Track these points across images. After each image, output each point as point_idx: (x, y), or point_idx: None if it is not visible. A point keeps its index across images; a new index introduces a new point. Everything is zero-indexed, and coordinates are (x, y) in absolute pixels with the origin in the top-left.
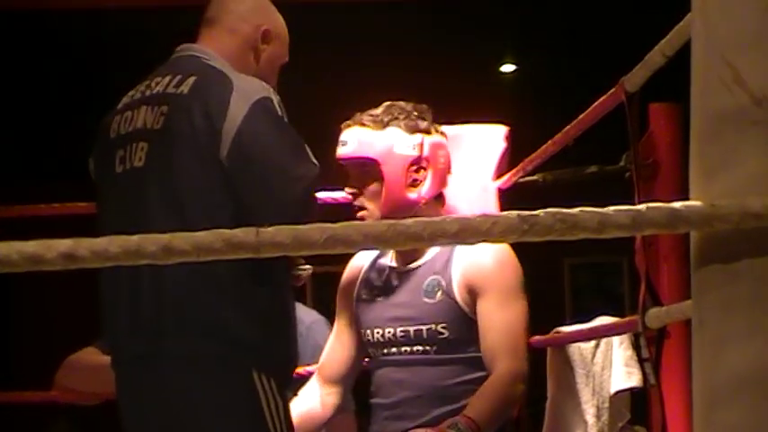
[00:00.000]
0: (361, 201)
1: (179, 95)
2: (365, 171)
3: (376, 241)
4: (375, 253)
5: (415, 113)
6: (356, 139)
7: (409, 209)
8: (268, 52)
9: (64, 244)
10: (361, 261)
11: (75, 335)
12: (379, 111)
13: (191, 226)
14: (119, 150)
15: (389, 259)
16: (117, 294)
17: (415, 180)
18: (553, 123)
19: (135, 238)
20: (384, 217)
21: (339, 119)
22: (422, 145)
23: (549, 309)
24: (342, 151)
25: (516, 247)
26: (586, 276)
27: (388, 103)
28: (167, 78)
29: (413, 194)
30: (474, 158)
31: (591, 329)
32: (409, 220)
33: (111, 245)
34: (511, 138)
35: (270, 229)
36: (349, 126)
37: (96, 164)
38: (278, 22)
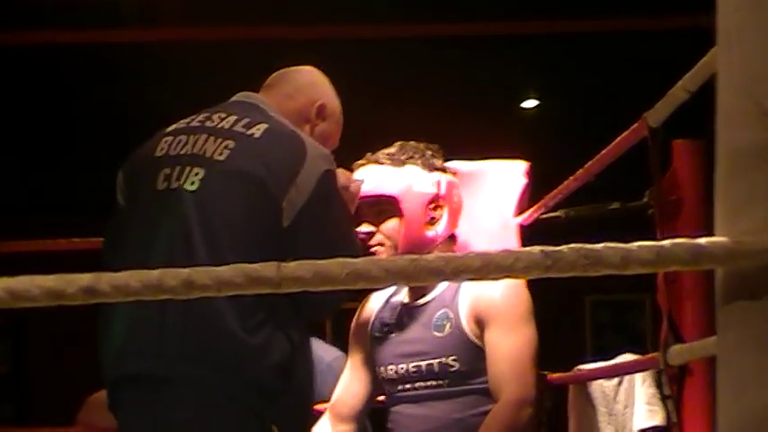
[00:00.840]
0: (377, 238)
1: (249, 137)
2: (382, 209)
3: (398, 277)
4: (389, 291)
5: (430, 152)
6: (374, 177)
7: (425, 246)
8: (322, 128)
9: (84, 278)
10: (374, 301)
11: (89, 371)
12: (393, 150)
13: (223, 259)
14: (164, 169)
15: (403, 296)
16: (140, 312)
17: (433, 218)
18: (575, 159)
19: (156, 273)
20: (401, 254)
21: (354, 158)
22: (439, 183)
23: (569, 347)
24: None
25: (537, 285)
26: (608, 314)
27: (400, 142)
28: (233, 117)
29: (430, 232)
30: (494, 194)
31: (613, 367)
32: (431, 256)
33: (132, 279)
34: (532, 173)
35: (291, 264)
36: (363, 165)
37: (129, 178)
38: (335, 102)
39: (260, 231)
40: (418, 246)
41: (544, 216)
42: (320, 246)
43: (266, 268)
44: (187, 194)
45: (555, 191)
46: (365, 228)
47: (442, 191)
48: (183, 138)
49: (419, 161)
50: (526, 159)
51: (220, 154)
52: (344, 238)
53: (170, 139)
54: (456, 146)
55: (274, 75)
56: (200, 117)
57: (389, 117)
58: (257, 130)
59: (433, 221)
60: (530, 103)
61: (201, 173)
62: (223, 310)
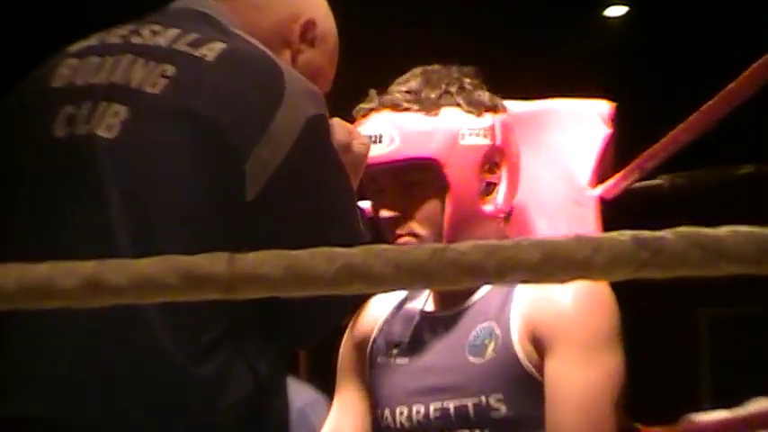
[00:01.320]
0: (407, 227)
1: (198, 61)
2: (411, 180)
3: (413, 277)
4: (400, 295)
5: (469, 81)
6: (396, 131)
7: (482, 229)
8: (308, 57)
9: None
10: (376, 308)
11: None
12: (416, 83)
13: (154, 247)
14: (66, 106)
15: (422, 302)
16: (26, 328)
17: (490, 184)
18: (683, 95)
19: (43, 268)
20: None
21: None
22: (493, 129)
23: (678, 381)
24: (373, 152)
25: (627, 291)
26: (731, 334)
27: (420, 69)
28: (173, 31)
29: (488, 206)
30: (563, 152)
31: (742, 420)
32: (465, 244)
33: (5, 278)
34: (620, 119)
35: (251, 255)
36: (371, 112)
37: (9, 122)
38: (329, 21)
39: (211, 205)
40: (471, 229)
41: (637, 185)
42: (302, 229)
43: (212, 262)
44: (102, 144)
45: (653, 147)
46: (386, 211)
47: (499, 140)
48: (96, 60)
49: (460, 98)
50: (610, 97)
51: (153, 85)
52: (340, 218)
53: (74, 62)
54: (507, 75)
55: None
56: (123, 30)
57: (406, 33)
58: (209, 51)
59: (490, 189)
60: (616, 11)
61: (123, 112)
62: (154, 327)
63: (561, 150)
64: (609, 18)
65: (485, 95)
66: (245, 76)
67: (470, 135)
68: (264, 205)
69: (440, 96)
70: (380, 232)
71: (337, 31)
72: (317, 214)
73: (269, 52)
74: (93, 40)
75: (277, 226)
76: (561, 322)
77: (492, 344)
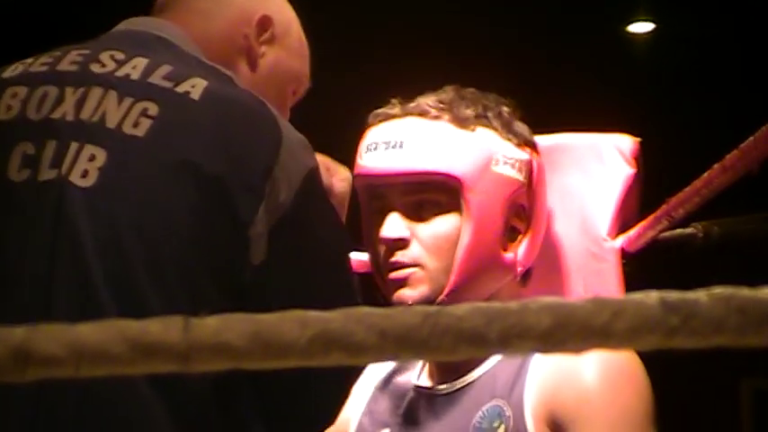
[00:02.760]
0: (412, 253)
1: (183, 98)
2: (426, 200)
3: (402, 345)
4: (387, 366)
5: (507, 110)
6: (422, 139)
7: (495, 281)
8: (273, 58)
9: None
10: (363, 381)
11: None
12: (447, 97)
13: (143, 309)
14: (18, 144)
15: (415, 374)
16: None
17: (514, 230)
18: (720, 128)
19: None
20: (454, 290)
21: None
22: (530, 166)
23: None
24: (388, 160)
25: (660, 359)
26: None
27: (452, 87)
28: (140, 61)
29: (509, 255)
30: (578, 196)
31: None
32: (462, 307)
33: None
34: (644, 156)
35: (209, 321)
36: (396, 117)
37: None
38: (285, 12)
39: (212, 270)
40: (485, 276)
41: (666, 235)
42: (305, 294)
43: (165, 328)
44: (75, 194)
45: (685, 190)
46: (391, 230)
47: (534, 182)
48: (52, 90)
49: (497, 122)
50: (633, 127)
51: (136, 125)
52: (340, 283)
53: (22, 91)
54: (517, 99)
55: None
56: (75, 55)
57: (413, 53)
58: (192, 89)
59: (514, 235)
60: (641, 27)
61: (101, 157)
62: (142, 411)
63: (576, 194)
64: (633, 34)
65: (524, 129)
66: (240, 122)
67: (505, 164)
68: (268, 268)
69: (476, 115)
70: (374, 286)
71: (299, 23)
72: (320, 275)
73: (253, 93)
74: (38, 66)
75: (278, 288)
76: (585, 404)
77: (502, 427)
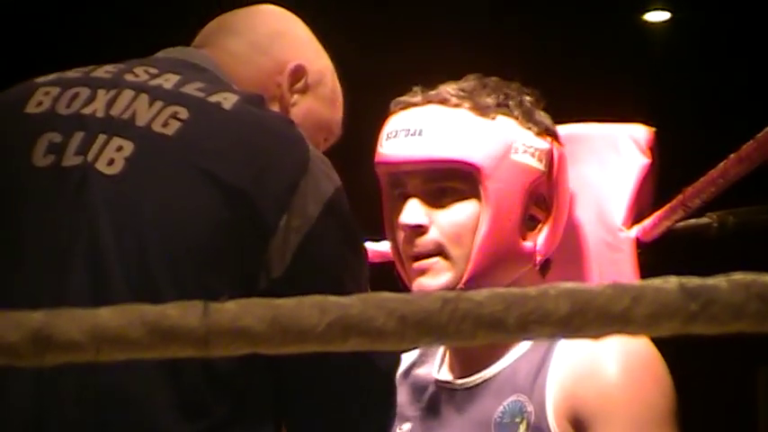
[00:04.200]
0: (431, 238)
1: (214, 107)
2: (446, 188)
3: (421, 330)
4: (408, 358)
5: (529, 99)
6: (442, 127)
7: (513, 270)
8: (305, 107)
9: None
10: None
11: None
12: (468, 85)
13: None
14: (48, 133)
15: (435, 368)
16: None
17: (533, 218)
18: (736, 118)
19: None
20: (473, 278)
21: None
22: (551, 155)
23: None
24: (407, 148)
25: (675, 345)
26: None
27: (474, 75)
28: (173, 76)
29: (527, 243)
30: (593, 187)
31: None
32: (481, 293)
33: None
34: (660, 146)
35: (228, 305)
36: (412, 105)
37: None
38: (322, 62)
39: (231, 275)
40: (503, 265)
41: (681, 225)
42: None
43: (184, 312)
44: (100, 179)
45: (700, 180)
46: (411, 216)
47: (555, 171)
48: (84, 91)
49: (518, 111)
50: (648, 117)
51: (165, 125)
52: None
53: (54, 90)
54: (539, 90)
55: (212, 23)
56: (109, 68)
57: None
58: (224, 100)
59: (533, 224)
60: (658, 15)
61: (129, 148)
62: (150, 397)
63: (591, 184)
64: (649, 23)
65: (546, 118)
66: (269, 134)
67: (524, 152)
68: (288, 281)
69: (497, 104)
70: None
71: (334, 69)
72: (338, 290)
73: (282, 115)
74: (71, 73)
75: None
76: (607, 400)
77: (524, 423)
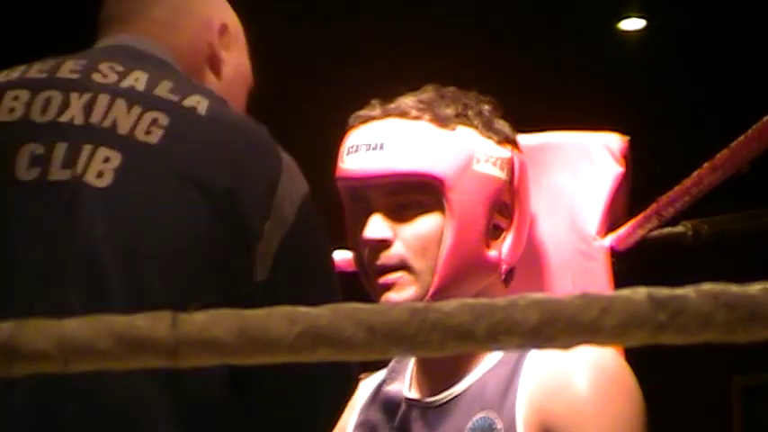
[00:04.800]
0: (397, 255)
1: (191, 112)
2: (409, 202)
3: (390, 341)
4: (378, 376)
5: (488, 108)
6: (402, 140)
7: (479, 280)
8: (232, 62)
9: None
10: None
11: None
12: (428, 96)
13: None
14: (26, 144)
15: (407, 386)
16: None
17: (497, 227)
18: (710, 126)
19: None
20: (439, 290)
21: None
22: (512, 164)
23: None
24: (369, 162)
25: (648, 356)
26: None
27: (432, 86)
28: (140, 74)
29: (492, 253)
30: (566, 195)
31: None
32: (450, 303)
33: None
34: (633, 155)
35: (197, 316)
36: (377, 119)
37: None
38: (233, 15)
39: (220, 280)
40: (469, 276)
41: (655, 234)
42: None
43: (153, 323)
44: (92, 193)
45: (674, 189)
46: (374, 231)
47: (516, 179)
48: (56, 96)
49: (477, 121)
50: (623, 126)
51: (148, 132)
52: (332, 291)
53: (25, 95)
54: (505, 100)
55: None
56: (71, 65)
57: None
58: (198, 105)
59: (497, 232)
60: (632, 24)
61: (116, 159)
62: (150, 418)
63: (565, 193)
64: (624, 32)
65: (506, 126)
66: (244, 142)
67: (486, 162)
68: (272, 285)
69: (456, 114)
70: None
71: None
72: (316, 289)
73: (249, 117)
74: (34, 72)
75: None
76: (577, 414)
77: None
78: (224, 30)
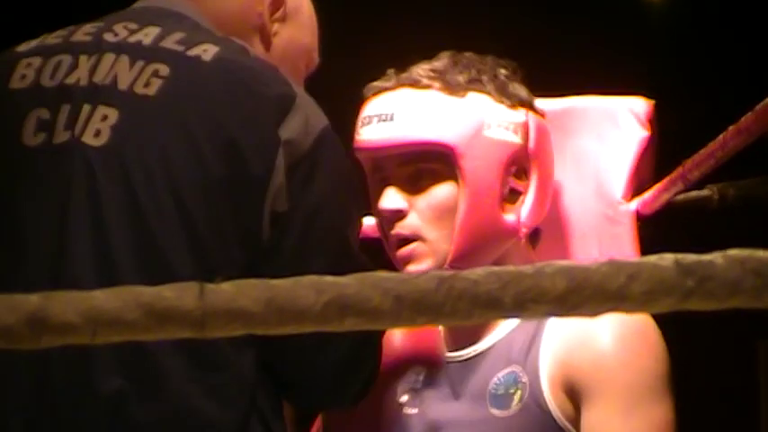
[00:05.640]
0: (411, 224)
1: (195, 60)
2: (421, 170)
3: (418, 310)
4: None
5: (504, 72)
6: (412, 109)
7: (499, 243)
8: (286, 36)
9: None
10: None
11: None
12: (441, 64)
13: (167, 272)
14: (36, 109)
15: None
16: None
17: (514, 191)
18: (736, 91)
19: None
20: (457, 258)
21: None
22: (527, 127)
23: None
24: (380, 133)
25: (674, 321)
26: None
27: (448, 53)
28: (153, 29)
29: (510, 216)
30: (592, 160)
31: None
32: (477, 271)
33: None
34: (659, 119)
35: (224, 286)
36: (386, 90)
37: None
38: None
39: (225, 232)
40: (487, 242)
41: (681, 197)
42: (320, 265)
43: (180, 294)
44: (90, 153)
45: (700, 152)
46: (388, 202)
47: (532, 143)
48: (66, 59)
49: (490, 86)
50: (648, 91)
51: (147, 84)
52: (350, 250)
53: (36, 61)
54: (529, 64)
55: None
56: (89, 28)
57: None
58: (204, 53)
59: (514, 197)
60: None
61: (113, 116)
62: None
63: (590, 157)
64: (648, 2)
65: (522, 89)
66: (251, 82)
67: (498, 127)
68: (291, 217)
69: (469, 80)
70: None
71: None
72: (332, 247)
73: (266, 61)
74: (51, 39)
75: (294, 263)
76: (601, 368)
77: (518, 393)
78: (279, 2)
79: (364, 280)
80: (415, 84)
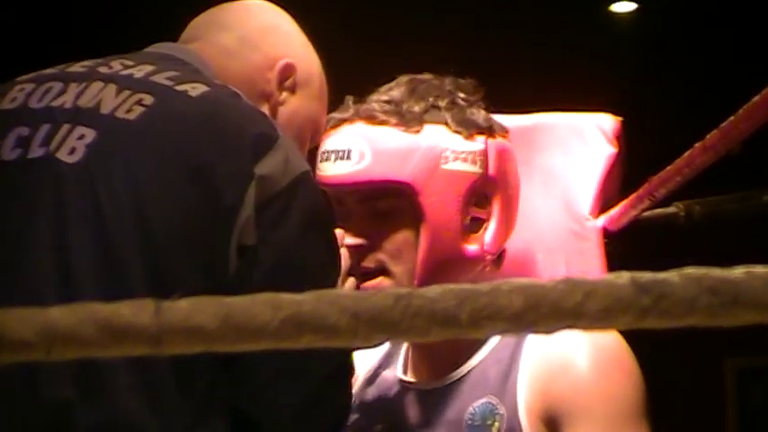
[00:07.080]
0: (376, 258)
1: (180, 94)
2: (381, 208)
3: (374, 327)
4: (375, 355)
5: (462, 96)
6: (367, 147)
7: (463, 272)
8: (293, 106)
9: None
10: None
11: None
12: (398, 93)
13: (126, 289)
14: (18, 127)
15: (400, 369)
16: None
17: (477, 219)
18: (702, 107)
19: None
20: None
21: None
22: (485, 154)
23: None
24: (338, 169)
25: (641, 340)
26: (762, 388)
27: (407, 78)
28: (147, 67)
29: (473, 247)
30: (559, 176)
31: None
32: (433, 289)
33: None
34: (626, 136)
35: (180, 303)
36: (348, 121)
37: None
38: (309, 61)
39: (193, 263)
40: (451, 272)
41: (648, 214)
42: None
43: (136, 311)
44: (62, 168)
45: (666, 169)
46: (351, 238)
47: (492, 169)
48: (57, 85)
49: (448, 115)
50: (615, 108)
51: (128, 111)
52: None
53: (29, 86)
54: (497, 78)
55: (201, 17)
56: (86, 63)
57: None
58: (192, 89)
59: (476, 226)
60: (624, 6)
61: (90, 135)
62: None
63: (557, 173)
64: (616, 14)
65: (479, 115)
66: (234, 117)
67: (455, 159)
68: (258, 253)
69: (425, 110)
70: None
71: (322, 69)
72: (300, 286)
73: (257, 108)
74: (49, 70)
75: (267, 269)
76: (579, 396)
77: (496, 425)
78: (289, 71)
79: (321, 297)
80: (370, 119)
